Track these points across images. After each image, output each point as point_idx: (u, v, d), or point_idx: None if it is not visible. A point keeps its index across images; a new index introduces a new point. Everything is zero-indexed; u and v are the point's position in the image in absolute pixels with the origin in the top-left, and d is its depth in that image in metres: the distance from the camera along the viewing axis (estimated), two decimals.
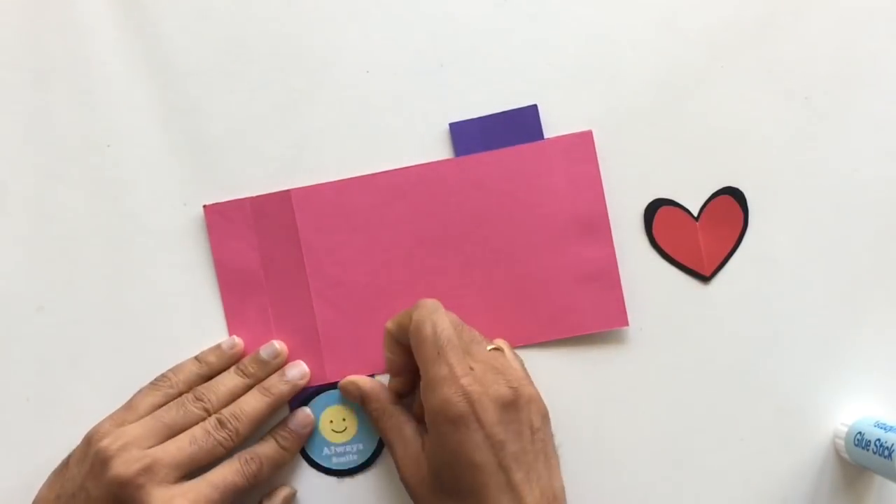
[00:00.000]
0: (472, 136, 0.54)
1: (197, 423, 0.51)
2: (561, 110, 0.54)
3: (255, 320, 0.54)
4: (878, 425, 0.50)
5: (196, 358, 0.53)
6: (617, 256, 0.53)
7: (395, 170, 0.54)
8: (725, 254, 0.54)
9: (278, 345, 0.53)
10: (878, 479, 0.54)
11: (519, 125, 0.53)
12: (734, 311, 0.54)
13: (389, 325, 0.50)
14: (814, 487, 0.53)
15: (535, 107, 0.53)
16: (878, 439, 0.49)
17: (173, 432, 0.50)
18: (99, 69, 0.54)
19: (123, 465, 0.48)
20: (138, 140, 0.54)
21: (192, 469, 0.49)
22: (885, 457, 0.48)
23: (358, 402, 0.53)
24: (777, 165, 0.54)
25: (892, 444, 0.48)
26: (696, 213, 0.54)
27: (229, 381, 0.52)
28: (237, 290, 0.54)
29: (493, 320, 0.53)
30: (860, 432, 0.51)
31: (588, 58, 0.54)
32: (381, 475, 0.54)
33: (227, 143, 0.54)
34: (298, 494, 0.54)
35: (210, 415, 0.51)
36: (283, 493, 0.52)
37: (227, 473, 0.50)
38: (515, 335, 0.53)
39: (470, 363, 0.47)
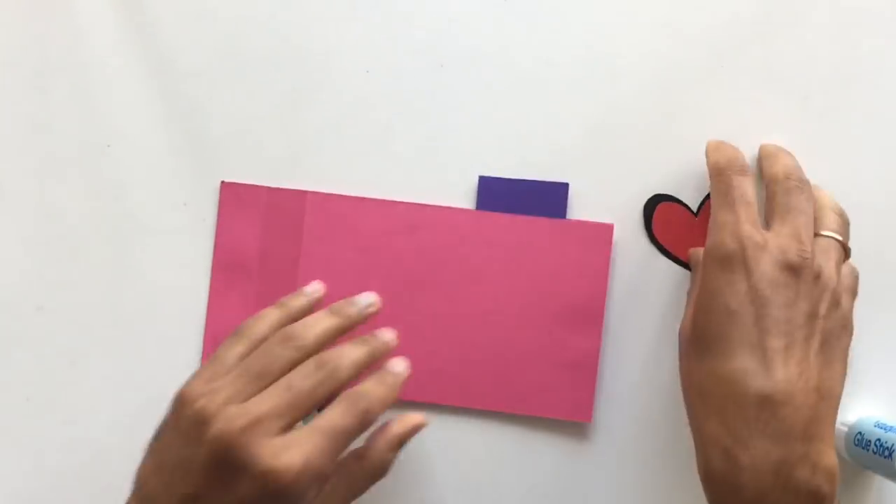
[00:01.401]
0: (497, 193, 0.53)
1: (289, 366, 0.46)
2: (560, 110, 0.54)
3: (236, 307, 0.54)
4: (878, 425, 0.50)
5: (277, 305, 0.49)
6: (618, 254, 0.53)
7: (413, 204, 0.53)
8: None
9: (374, 297, 0.50)
10: (878, 479, 0.54)
11: (546, 198, 0.53)
12: None
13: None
14: None
15: (566, 185, 0.53)
16: (878, 439, 0.49)
17: (266, 381, 0.45)
18: (99, 69, 0.54)
19: (225, 424, 0.43)
20: (138, 140, 0.54)
21: (295, 417, 0.45)
22: (885, 457, 0.48)
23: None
24: None
25: (892, 444, 0.48)
26: (695, 210, 0.54)
27: (321, 320, 0.48)
28: (228, 272, 0.54)
29: (463, 377, 0.53)
30: (860, 432, 0.51)
31: (587, 57, 0.54)
32: None
33: (227, 143, 0.54)
34: None
35: (303, 356, 0.46)
36: (414, 419, 0.49)
37: (335, 417, 0.45)
38: (479, 397, 0.53)
39: (776, 224, 0.46)
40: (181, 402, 0.45)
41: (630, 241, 0.54)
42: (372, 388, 0.47)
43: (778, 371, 0.42)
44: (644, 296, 0.53)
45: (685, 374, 0.47)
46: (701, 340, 0.44)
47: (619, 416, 0.54)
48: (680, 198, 0.54)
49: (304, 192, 0.54)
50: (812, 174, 0.54)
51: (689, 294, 0.51)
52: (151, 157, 0.54)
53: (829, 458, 0.42)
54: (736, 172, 0.48)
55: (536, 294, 0.53)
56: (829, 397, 0.43)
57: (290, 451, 0.43)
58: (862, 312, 0.54)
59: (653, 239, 0.54)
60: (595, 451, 0.54)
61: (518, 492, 0.54)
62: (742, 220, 0.45)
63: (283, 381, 0.45)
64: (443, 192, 0.54)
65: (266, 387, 0.45)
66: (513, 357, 0.53)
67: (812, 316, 0.43)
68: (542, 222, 0.53)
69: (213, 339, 0.54)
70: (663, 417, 0.54)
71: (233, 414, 0.43)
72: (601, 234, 0.53)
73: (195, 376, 0.47)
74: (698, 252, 0.50)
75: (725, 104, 0.54)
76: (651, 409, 0.54)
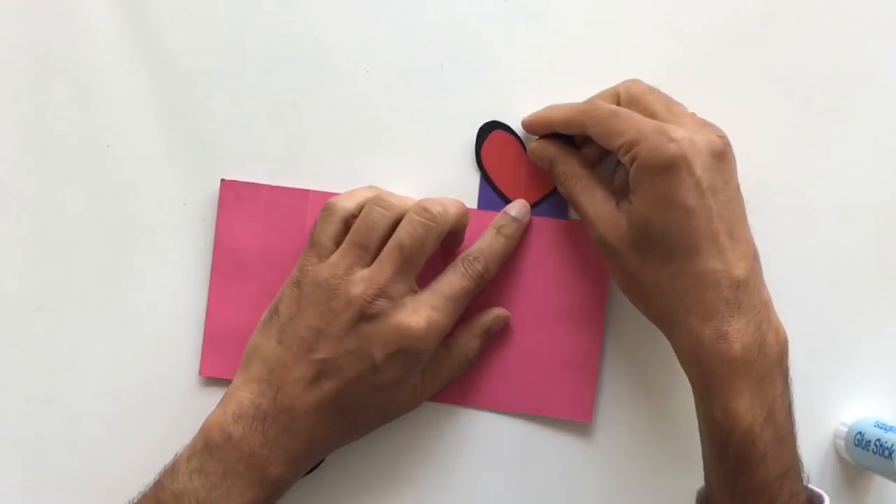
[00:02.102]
0: (498, 192, 0.53)
1: (391, 227, 0.49)
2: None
3: (237, 305, 0.54)
4: (878, 425, 0.50)
5: (368, 187, 0.52)
6: None
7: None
8: (549, 190, 0.53)
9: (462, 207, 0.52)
10: (878, 479, 0.54)
11: (547, 197, 0.53)
12: None
13: (553, 116, 0.51)
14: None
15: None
16: (878, 439, 0.49)
17: (375, 247, 0.49)
18: (99, 69, 0.54)
19: (358, 289, 0.47)
20: (138, 140, 0.54)
21: (415, 271, 0.49)
22: (885, 457, 0.48)
23: (546, 166, 0.52)
24: (777, 165, 0.54)
25: (892, 444, 0.48)
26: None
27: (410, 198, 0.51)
28: (229, 270, 0.54)
29: (463, 377, 0.53)
30: (860, 432, 0.51)
31: (587, 58, 0.54)
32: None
33: (227, 143, 0.54)
34: None
35: (401, 214, 0.49)
36: (496, 311, 0.52)
37: (452, 280, 0.50)
38: (479, 396, 0.53)
39: (680, 119, 0.48)
40: (300, 281, 0.49)
41: None
42: (488, 245, 0.51)
43: (739, 252, 0.46)
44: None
45: (636, 278, 0.48)
46: (660, 244, 0.46)
47: (619, 416, 0.54)
48: None
49: (307, 191, 0.54)
50: (812, 173, 0.54)
51: (578, 197, 0.50)
52: (151, 157, 0.54)
53: (777, 318, 0.47)
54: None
55: (537, 293, 0.53)
56: (758, 257, 0.47)
57: (419, 313, 0.48)
58: (862, 312, 0.54)
59: (480, 166, 0.54)
60: (595, 451, 0.54)
61: (518, 491, 0.54)
62: (664, 122, 0.47)
63: (394, 241, 0.48)
64: (444, 192, 0.54)
65: (377, 251, 0.48)
66: (513, 356, 0.53)
67: (736, 186, 0.47)
68: (544, 222, 0.53)
69: (214, 339, 0.54)
70: (663, 417, 0.54)
71: (362, 280, 0.48)
72: None
73: (300, 265, 0.50)
74: (564, 157, 0.51)
75: (725, 104, 0.54)
76: (651, 409, 0.54)
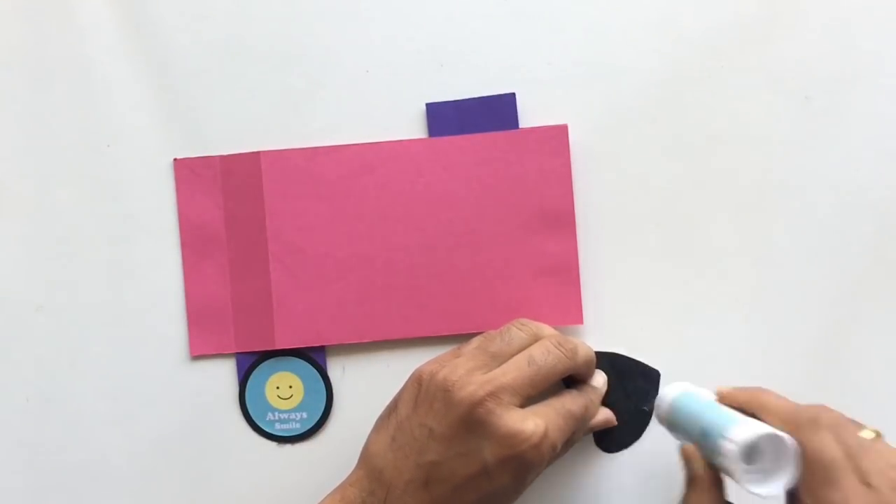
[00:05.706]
0: (447, 118, 0.53)
1: (525, 348, 0.47)
2: (560, 110, 0.54)
3: (212, 277, 0.54)
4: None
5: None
6: (578, 156, 0.53)
7: (367, 143, 0.54)
8: None
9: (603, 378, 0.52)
10: None
11: (496, 112, 0.53)
12: (732, 312, 0.54)
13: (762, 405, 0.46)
14: None
15: (513, 95, 0.53)
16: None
17: (503, 360, 0.47)
18: (99, 69, 0.54)
19: (471, 388, 0.45)
20: (138, 140, 0.54)
21: (535, 390, 0.46)
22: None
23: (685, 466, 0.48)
24: (777, 165, 0.54)
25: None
26: None
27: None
28: (198, 245, 0.54)
29: (450, 304, 0.53)
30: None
31: (587, 58, 0.54)
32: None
33: (226, 144, 0.54)
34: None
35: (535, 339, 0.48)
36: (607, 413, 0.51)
37: (565, 401, 0.47)
38: (470, 321, 0.53)
39: (866, 478, 0.41)
40: (419, 378, 0.47)
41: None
42: (588, 399, 0.49)
43: None
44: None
45: None
46: None
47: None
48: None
49: (257, 153, 0.54)
50: (812, 174, 0.54)
51: None
52: (151, 158, 0.54)
53: None
54: (813, 432, 0.44)
55: (505, 207, 0.53)
56: None
57: (535, 419, 0.45)
58: (861, 312, 0.54)
59: None
60: (596, 449, 0.54)
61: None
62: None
63: (525, 355, 0.47)
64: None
65: (503, 363, 0.47)
66: (495, 275, 0.53)
67: None
68: (496, 136, 0.53)
69: (197, 317, 0.54)
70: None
71: (478, 381, 0.45)
72: (556, 136, 0.53)
73: (431, 360, 0.48)
74: None
75: (725, 104, 0.54)
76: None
